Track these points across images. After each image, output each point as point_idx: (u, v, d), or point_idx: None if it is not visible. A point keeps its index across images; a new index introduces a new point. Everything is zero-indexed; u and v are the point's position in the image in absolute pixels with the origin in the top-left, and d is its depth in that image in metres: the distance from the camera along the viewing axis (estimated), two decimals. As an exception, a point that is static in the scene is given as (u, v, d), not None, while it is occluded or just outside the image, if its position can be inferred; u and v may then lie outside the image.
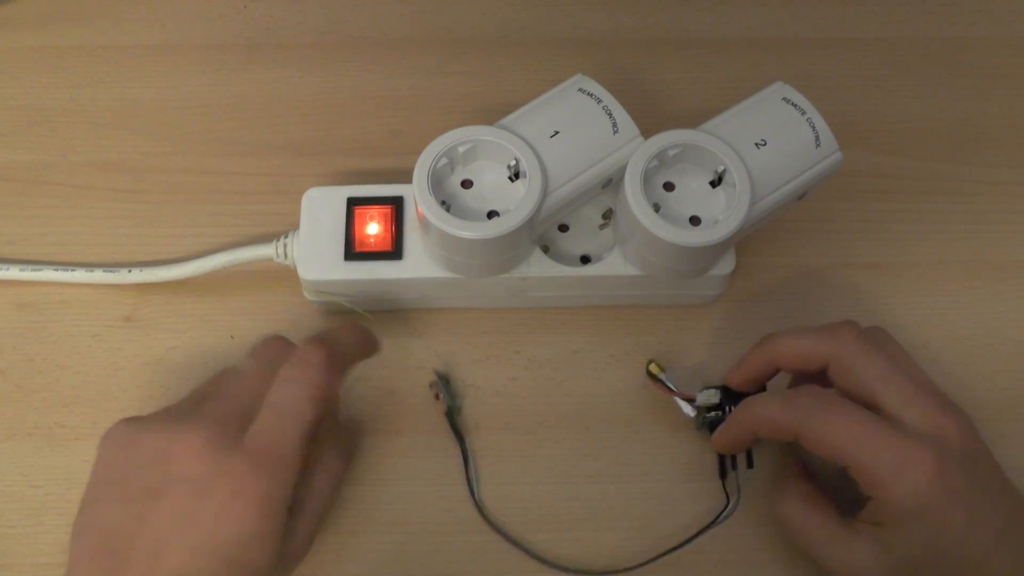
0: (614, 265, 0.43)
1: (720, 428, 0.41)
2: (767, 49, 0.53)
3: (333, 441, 0.40)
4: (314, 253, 0.43)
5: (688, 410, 0.42)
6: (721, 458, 0.42)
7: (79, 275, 0.46)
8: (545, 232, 0.45)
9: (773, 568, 0.42)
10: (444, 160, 0.40)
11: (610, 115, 0.41)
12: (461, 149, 0.40)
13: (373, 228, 0.43)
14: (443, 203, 0.39)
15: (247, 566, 0.34)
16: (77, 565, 0.34)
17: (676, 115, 0.51)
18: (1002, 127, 0.51)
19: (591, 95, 0.41)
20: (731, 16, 0.54)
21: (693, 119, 0.42)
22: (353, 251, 0.43)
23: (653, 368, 0.44)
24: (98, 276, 0.46)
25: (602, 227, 0.45)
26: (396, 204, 0.44)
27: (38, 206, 0.49)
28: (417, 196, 0.39)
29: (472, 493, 0.43)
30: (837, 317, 0.46)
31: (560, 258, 0.44)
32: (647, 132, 0.41)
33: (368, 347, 0.41)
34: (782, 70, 0.52)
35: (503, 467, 0.44)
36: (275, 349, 0.39)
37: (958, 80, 0.52)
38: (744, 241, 0.47)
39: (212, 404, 0.36)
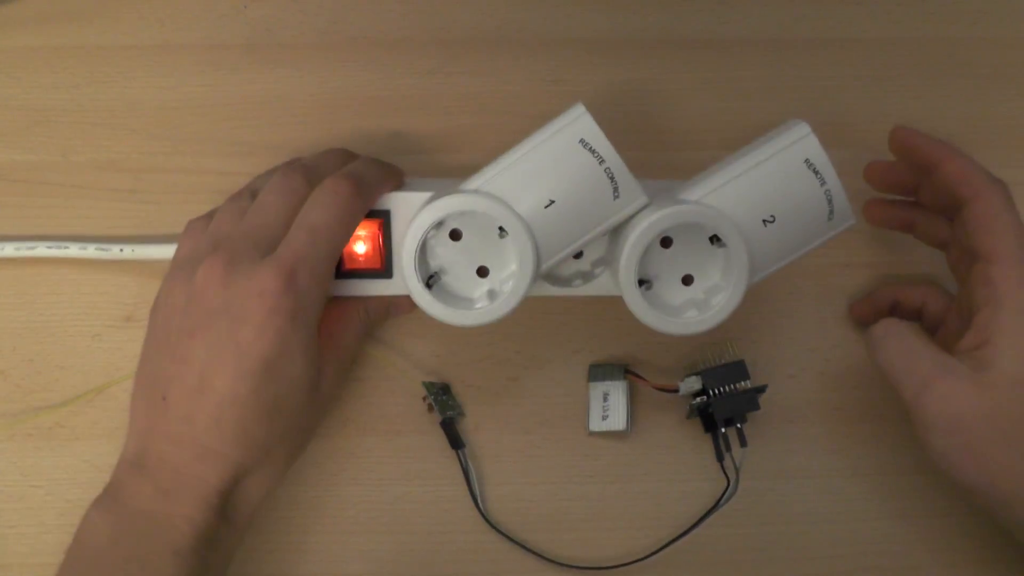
0: (605, 286, 0.42)
1: (912, 135, 0.42)
2: (767, 49, 0.53)
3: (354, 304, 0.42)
4: None
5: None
6: (716, 440, 0.43)
7: (73, 251, 0.46)
8: None
9: (773, 567, 0.42)
10: (432, 232, 0.38)
11: (612, 178, 0.37)
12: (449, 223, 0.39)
13: (360, 247, 0.42)
14: (432, 277, 0.39)
15: (288, 379, 0.36)
16: (131, 422, 0.37)
17: (677, 130, 0.51)
18: (1002, 127, 0.51)
19: (593, 152, 0.37)
20: (731, 16, 0.54)
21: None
22: (343, 270, 0.41)
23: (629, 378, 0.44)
24: (91, 252, 0.46)
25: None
26: (383, 219, 0.41)
27: (38, 206, 0.49)
28: (407, 280, 0.38)
29: (476, 503, 0.43)
30: (836, 318, 0.46)
31: (556, 267, 0.41)
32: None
33: (392, 177, 0.42)
34: (782, 70, 0.52)
35: (503, 467, 0.44)
36: (298, 180, 0.39)
37: (958, 80, 0.51)
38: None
39: (230, 233, 0.38)
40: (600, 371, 0.44)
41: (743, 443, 0.42)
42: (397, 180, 0.42)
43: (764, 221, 0.38)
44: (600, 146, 0.37)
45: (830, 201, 0.38)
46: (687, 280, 0.39)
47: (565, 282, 0.42)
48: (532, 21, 0.54)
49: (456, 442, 0.43)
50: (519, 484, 0.43)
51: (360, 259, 0.42)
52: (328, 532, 0.43)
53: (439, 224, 0.38)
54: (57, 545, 0.42)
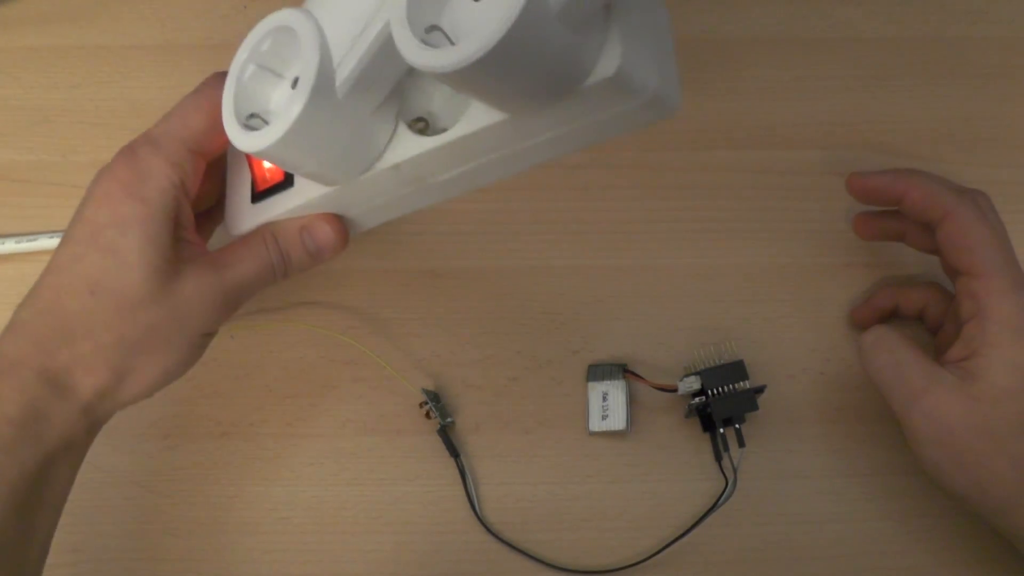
0: (479, 118, 0.33)
1: (878, 176, 0.42)
2: (767, 49, 0.52)
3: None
4: (233, 205, 0.40)
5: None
6: (714, 440, 0.43)
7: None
8: (412, 104, 0.37)
9: (773, 567, 0.42)
10: (252, 68, 0.35)
11: None
12: (263, 48, 0.35)
13: (268, 164, 0.39)
14: (254, 115, 0.35)
15: (116, 251, 0.35)
16: None
17: (677, 129, 0.51)
18: (1002, 127, 0.51)
19: None
20: (731, 16, 0.54)
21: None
22: (257, 192, 0.39)
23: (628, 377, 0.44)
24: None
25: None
26: None
27: (38, 206, 0.49)
28: (224, 115, 0.35)
29: (473, 508, 0.43)
30: (836, 318, 0.46)
31: (440, 125, 0.36)
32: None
33: None
34: (782, 70, 0.52)
35: (503, 467, 0.44)
36: (213, 83, 0.38)
37: (958, 80, 0.51)
38: (734, 240, 0.47)
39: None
40: (599, 371, 0.44)
41: (741, 443, 0.42)
42: None
43: None
44: None
45: None
46: None
47: (438, 131, 0.35)
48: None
49: (453, 450, 0.43)
50: (519, 484, 0.43)
51: (268, 175, 0.39)
52: (328, 532, 0.43)
53: (255, 64, 0.35)
54: (57, 545, 0.41)
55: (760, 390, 0.43)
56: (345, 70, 0.33)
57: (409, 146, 0.36)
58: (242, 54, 0.35)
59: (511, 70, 0.28)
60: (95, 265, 0.34)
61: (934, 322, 0.44)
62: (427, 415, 0.44)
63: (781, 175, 0.49)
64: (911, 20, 0.53)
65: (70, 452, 0.35)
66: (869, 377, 0.40)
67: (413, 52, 0.28)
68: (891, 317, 0.45)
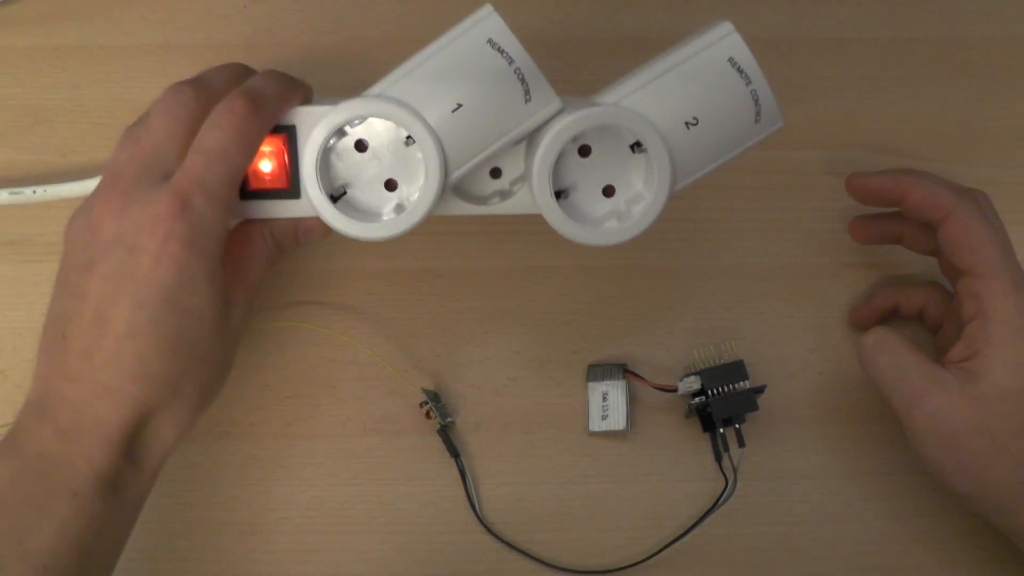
0: (522, 204, 0.39)
1: (877, 177, 0.42)
2: (767, 49, 0.52)
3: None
4: None
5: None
6: (714, 440, 0.43)
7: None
8: None
9: (773, 567, 0.42)
10: (332, 139, 0.37)
11: (522, 80, 0.35)
12: (354, 126, 0.37)
13: (266, 166, 0.39)
14: (335, 184, 0.37)
15: (191, 310, 0.35)
16: (36, 367, 0.36)
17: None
18: (1002, 127, 0.51)
19: (501, 51, 0.35)
20: (731, 16, 0.54)
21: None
22: (248, 189, 0.39)
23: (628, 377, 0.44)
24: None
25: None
26: (287, 133, 0.38)
27: (38, 206, 0.49)
28: (310, 193, 0.37)
29: (474, 508, 0.43)
30: (836, 318, 0.46)
31: (470, 186, 0.40)
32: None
33: (296, 91, 0.39)
34: (782, 70, 0.52)
35: (503, 467, 0.44)
36: (187, 94, 0.38)
37: (958, 80, 0.51)
38: (734, 240, 0.47)
39: (124, 164, 0.36)
40: (599, 371, 0.44)
41: (741, 443, 0.42)
42: (302, 94, 0.39)
43: (687, 124, 0.36)
44: (510, 46, 0.35)
45: (757, 102, 0.36)
46: (608, 191, 0.37)
47: (483, 201, 0.40)
48: (532, 21, 0.54)
49: (453, 450, 0.43)
50: (519, 484, 0.43)
51: (266, 178, 0.39)
52: (328, 532, 0.43)
53: (341, 133, 0.37)
54: (57, 545, 0.42)
55: (760, 390, 0.43)
56: (452, 178, 0.37)
57: (447, 206, 0.39)
58: (325, 127, 0.36)
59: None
60: (173, 326, 0.35)
61: (934, 322, 0.44)
62: (427, 415, 0.44)
63: (781, 175, 0.49)
64: (911, 20, 0.53)
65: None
66: (870, 379, 0.40)
67: (573, 230, 0.36)
68: (891, 317, 0.45)
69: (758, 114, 0.36)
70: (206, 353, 0.36)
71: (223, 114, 0.36)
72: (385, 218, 0.38)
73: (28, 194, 0.45)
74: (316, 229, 0.40)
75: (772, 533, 0.43)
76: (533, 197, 0.37)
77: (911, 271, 0.47)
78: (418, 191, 0.37)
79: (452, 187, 0.38)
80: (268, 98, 0.37)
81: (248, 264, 0.39)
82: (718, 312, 0.47)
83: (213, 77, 0.39)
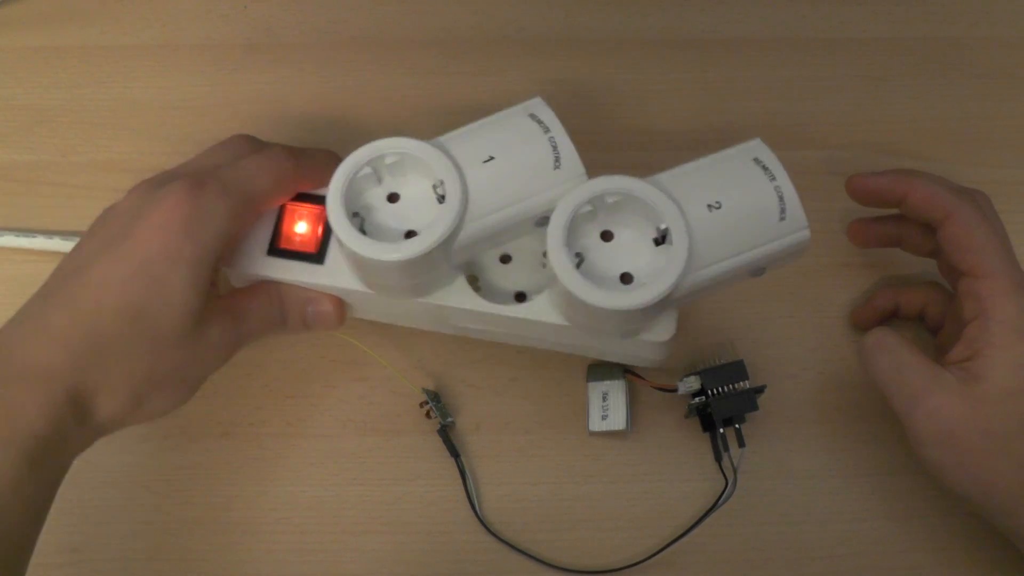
0: (540, 310, 0.39)
1: (877, 177, 0.42)
2: (767, 49, 0.53)
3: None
4: (242, 242, 0.40)
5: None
6: (714, 440, 0.43)
7: (39, 241, 0.46)
8: (478, 260, 0.42)
9: (773, 567, 0.42)
10: (367, 170, 0.38)
11: (555, 148, 0.37)
12: (388, 160, 0.38)
13: (301, 227, 0.40)
14: (356, 215, 0.38)
15: (164, 287, 0.35)
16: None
17: (679, 129, 0.51)
18: (1002, 127, 0.51)
19: (540, 122, 0.38)
20: (731, 16, 0.54)
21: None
22: (276, 247, 0.40)
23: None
24: (56, 244, 0.46)
25: (545, 265, 0.41)
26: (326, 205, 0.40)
27: (38, 206, 0.49)
28: (328, 203, 0.37)
29: (474, 508, 0.43)
30: (836, 318, 0.46)
31: (491, 289, 0.41)
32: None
33: (311, 176, 0.40)
34: (782, 70, 0.52)
35: (503, 467, 0.44)
36: (242, 144, 0.39)
37: (958, 80, 0.52)
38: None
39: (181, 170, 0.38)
40: (599, 371, 0.44)
41: (741, 443, 0.42)
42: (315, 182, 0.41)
43: (709, 206, 0.36)
44: (547, 119, 0.37)
45: (781, 199, 0.37)
46: (626, 279, 0.37)
47: (502, 299, 0.40)
48: (532, 21, 0.54)
49: (453, 450, 0.43)
50: (519, 484, 0.43)
51: (296, 239, 0.40)
52: (328, 532, 0.43)
53: (372, 167, 0.38)
54: (56, 545, 0.42)
55: (760, 390, 0.43)
56: (472, 228, 0.37)
57: (462, 298, 0.39)
58: (363, 156, 0.38)
59: (632, 315, 0.36)
60: (141, 293, 0.34)
61: (935, 322, 0.44)
62: (427, 415, 0.44)
63: (798, 176, 0.49)
64: (911, 20, 0.53)
65: (66, 469, 0.36)
66: (870, 379, 0.40)
67: (581, 288, 0.35)
68: (892, 318, 0.45)
69: (783, 211, 0.37)
70: (167, 344, 0.35)
71: (266, 154, 0.38)
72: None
73: (41, 240, 0.46)
74: (328, 316, 0.41)
75: (771, 533, 0.43)
76: (552, 298, 0.38)
77: (911, 271, 0.47)
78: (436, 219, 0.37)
79: (469, 260, 0.40)
80: (311, 160, 0.40)
81: (248, 310, 0.39)
82: (718, 312, 0.47)
83: (271, 144, 0.41)
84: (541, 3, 0.55)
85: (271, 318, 0.40)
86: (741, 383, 0.42)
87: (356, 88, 0.52)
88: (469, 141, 0.38)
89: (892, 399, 0.39)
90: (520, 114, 0.38)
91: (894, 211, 0.43)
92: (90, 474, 0.43)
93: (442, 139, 0.38)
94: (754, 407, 0.42)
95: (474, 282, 0.41)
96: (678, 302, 0.37)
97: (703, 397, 0.42)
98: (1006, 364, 0.37)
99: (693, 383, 0.42)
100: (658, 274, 0.35)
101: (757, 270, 0.38)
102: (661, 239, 0.37)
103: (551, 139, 0.37)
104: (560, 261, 0.35)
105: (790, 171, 0.46)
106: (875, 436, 0.44)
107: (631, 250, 0.37)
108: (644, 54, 0.53)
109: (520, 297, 0.41)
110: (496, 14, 0.54)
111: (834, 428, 0.45)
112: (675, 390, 0.42)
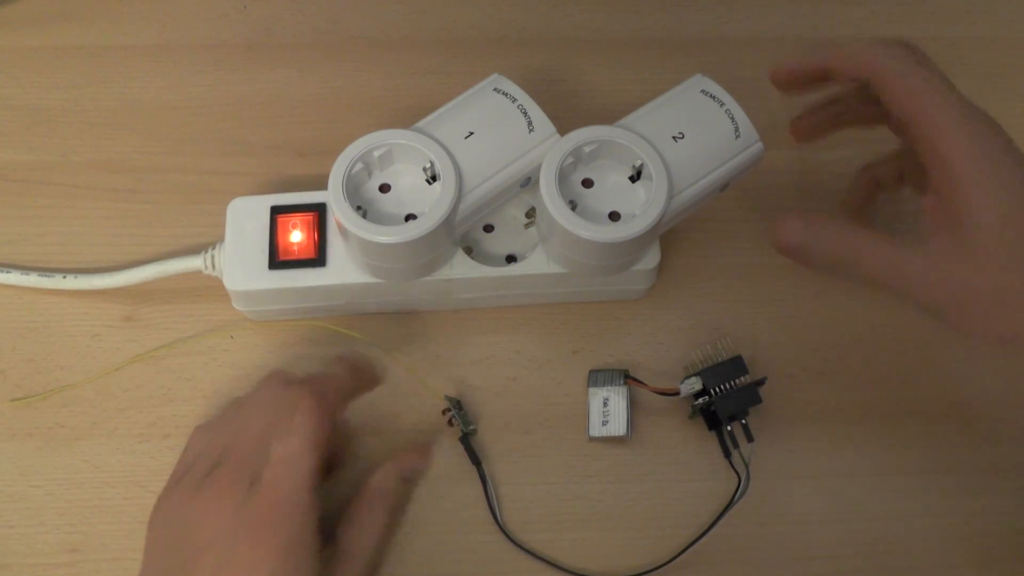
0: (537, 264, 0.43)
1: (795, 58, 0.40)
2: (767, 49, 0.53)
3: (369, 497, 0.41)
4: (239, 263, 0.43)
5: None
6: (721, 438, 0.42)
7: (14, 277, 0.46)
8: (468, 233, 0.45)
9: (773, 567, 0.42)
10: (359, 165, 0.40)
11: (525, 114, 0.41)
12: (376, 154, 0.40)
13: (296, 236, 0.43)
14: (359, 208, 0.40)
15: None
16: None
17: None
18: (1002, 127, 0.51)
19: (506, 94, 0.41)
20: (731, 16, 0.54)
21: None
22: (277, 260, 0.43)
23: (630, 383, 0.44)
24: (32, 280, 0.46)
25: (527, 226, 0.45)
26: (319, 211, 0.43)
27: (38, 206, 0.49)
28: (332, 203, 0.39)
29: (494, 516, 0.42)
30: (836, 317, 0.46)
31: (484, 258, 0.44)
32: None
33: (366, 380, 0.42)
34: (782, 70, 0.52)
35: (503, 467, 0.44)
36: (273, 392, 0.39)
37: (958, 80, 0.51)
38: (734, 240, 0.47)
39: (223, 467, 0.37)
40: (600, 377, 0.44)
41: (750, 438, 0.42)
42: (371, 382, 0.42)
43: (674, 138, 0.40)
44: (512, 90, 0.41)
45: (733, 119, 0.41)
46: (614, 216, 0.41)
47: (496, 263, 0.44)
48: (532, 21, 0.54)
49: (474, 458, 0.43)
50: (519, 485, 0.43)
51: (295, 249, 0.43)
52: (328, 532, 0.43)
53: (363, 162, 0.40)
54: (57, 545, 0.42)
55: (761, 382, 0.43)
56: (469, 199, 0.40)
57: (465, 268, 0.43)
58: (353, 152, 0.40)
59: (630, 246, 0.40)
60: None
61: (917, 181, 0.42)
62: (449, 423, 0.44)
63: (780, 174, 0.49)
64: (911, 20, 0.53)
65: None
66: (820, 267, 0.38)
67: (588, 229, 0.39)
68: (821, 82, 0.41)
69: (736, 130, 0.41)
70: None
71: (291, 418, 0.37)
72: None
73: (58, 279, 0.46)
74: (419, 463, 0.43)
75: (773, 533, 0.43)
76: (542, 229, 0.42)
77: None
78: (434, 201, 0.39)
79: (465, 233, 0.43)
80: (337, 390, 0.40)
81: (359, 531, 0.40)
82: (717, 312, 0.47)
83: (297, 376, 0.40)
84: (541, 3, 0.55)
85: (383, 527, 0.41)
86: (742, 378, 0.42)
87: (356, 88, 0.52)
88: (447, 122, 0.41)
89: (860, 272, 0.37)
90: (486, 90, 0.42)
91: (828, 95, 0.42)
92: (90, 474, 0.43)
93: (420, 124, 0.41)
94: (758, 399, 0.42)
95: (469, 253, 0.44)
96: (662, 228, 0.41)
97: (706, 397, 0.42)
98: (980, 196, 0.35)
99: (695, 384, 0.42)
100: (645, 205, 0.40)
101: (723, 186, 0.42)
102: (637, 176, 0.41)
103: (519, 107, 0.41)
104: (561, 212, 0.39)
105: (790, 170, 0.47)
106: (876, 436, 0.44)
107: (613, 191, 0.41)
108: (645, 54, 0.53)
109: (511, 259, 0.45)
110: (496, 14, 0.54)
111: (834, 428, 0.45)
112: (677, 393, 0.42)
